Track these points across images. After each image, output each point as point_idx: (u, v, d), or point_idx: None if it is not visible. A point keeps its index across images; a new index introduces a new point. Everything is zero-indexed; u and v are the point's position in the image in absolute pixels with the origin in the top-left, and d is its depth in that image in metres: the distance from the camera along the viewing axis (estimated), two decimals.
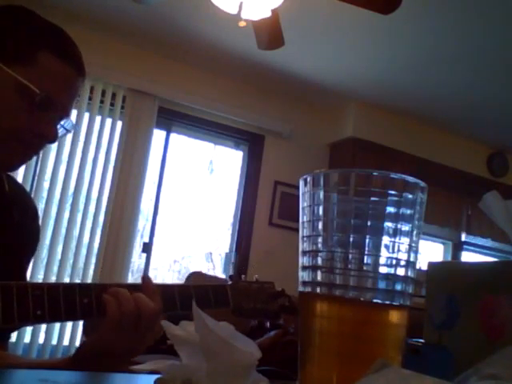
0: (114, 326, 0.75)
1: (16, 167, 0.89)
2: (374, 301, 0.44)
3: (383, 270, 0.44)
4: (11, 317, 0.71)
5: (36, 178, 3.48)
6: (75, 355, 0.82)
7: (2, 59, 0.80)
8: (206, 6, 2.63)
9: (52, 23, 0.90)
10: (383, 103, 4.28)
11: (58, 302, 0.74)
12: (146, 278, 0.82)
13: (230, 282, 0.93)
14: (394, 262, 0.44)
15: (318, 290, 0.45)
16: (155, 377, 0.46)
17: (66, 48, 0.88)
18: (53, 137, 0.86)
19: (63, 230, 3.52)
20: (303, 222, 0.48)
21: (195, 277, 3.38)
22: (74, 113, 3.63)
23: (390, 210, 0.44)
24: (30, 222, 1.00)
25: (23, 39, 0.84)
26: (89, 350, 0.80)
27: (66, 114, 0.88)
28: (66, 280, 3.50)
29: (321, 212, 0.46)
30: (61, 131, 0.89)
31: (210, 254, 4.35)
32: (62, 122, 0.89)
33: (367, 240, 0.44)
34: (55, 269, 3.48)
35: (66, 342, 3.43)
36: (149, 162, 3.79)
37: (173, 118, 4.02)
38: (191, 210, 4.24)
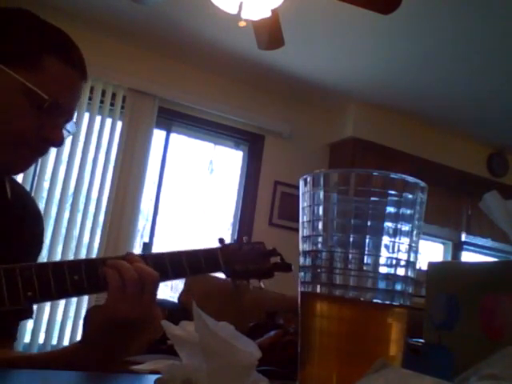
0: (118, 297, 0.74)
1: (21, 171, 0.91)
2: (374, 301, 0.44)
3: (383, 270, 0.44)
4: (2, 300, 0.71)
5: (36, 178, 3.48)
6: (84, 336, 0.81)
7: (7, 63, 0.81)
8: (206, 6, 2.63)
9: (55, 27, 0.91)
10: (383, 103, 4.28)
11: (48, 281, 0.74)
12: (130, 253, 0.83)
13: (220, 246, 0.93)
14: (394, 261, 0.44)
15: (318, 289, 0.45)
16: (155, 377, 0.46)
17: (70, 52, 0.89)
18: (60, 141, 0.87)
19: (63, 230, 3.52)
20: (303, 222, 0.48)
21: (195, 276, 3.38)
22: None
23: (390, 210, 0.44)
24: (33, 226, 1.01)
25: (28, 43, 0.85)
26: (98, 327, 0.78)
27: (70, 118, 0.90)
28: None
29: (321, 212, 0.46)
30: (65, 134, 0.90)
31: None
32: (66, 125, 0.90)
33: (367, 240, 0.44)
34: None
35: (66, 342, 3.43)
36: (149, 161, 3.79)
37: (173, 118, 4.02)
38: (191, 210, 4.24)
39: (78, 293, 0.78)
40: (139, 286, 0.75)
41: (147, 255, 0.85)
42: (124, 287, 0.74)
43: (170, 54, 3.87)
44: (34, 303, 0.79)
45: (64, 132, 0.89)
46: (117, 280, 0.75)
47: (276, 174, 4.29)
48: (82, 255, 3.55)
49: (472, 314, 0.52)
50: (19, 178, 3.41)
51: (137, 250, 3.89)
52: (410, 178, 0.45)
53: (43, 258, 3.48)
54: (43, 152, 0.89)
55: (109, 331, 0.77)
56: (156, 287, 0.78)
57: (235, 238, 4.21)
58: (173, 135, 4.10)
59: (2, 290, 0.72)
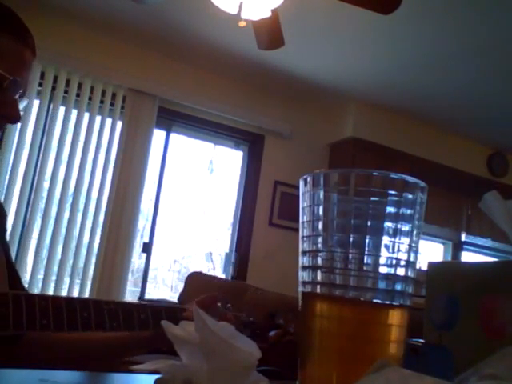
0: None
1: None
2: (374, 301, 0.44)
3: (383, 270, 0.44)
4: (21, 324, 0.72)
5: (36, 178, 3.48)
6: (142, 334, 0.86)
7: None
8: (206, 6, 2.63)
9: (5, 6, 0.91)
10: (383, 103, 4.28)
11: (61, 313, 0.75)
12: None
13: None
14: (394, 261, 0.44)
15: (318, 289, 0.45)
16: (155, 377, 0.46)
17: (21, 29, 0.90)
18: (17, 117, 0.89)
19: (63, 230, 3.52)
20: (303, 222, 0.48)
21: (195, 276, 3.38)
22: (74, 113, 3.63)
23: (390, 210, 0.44)
24: None
25: None
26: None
27: (24, 95, 0.91)
28: (66, 280, 3.51)
29: (321, 212, 0.46)
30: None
31: (210, 253, 4.35)
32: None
33: (367, 240, 0.44)
34: (55, 269, 3.48)
35: None
36: (149, 161, 3.79)
37: (173, 118, 4.02)
38: (191, 210, 4.24)
39: (84, 328, 0.79)
40: None
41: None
42: None
43: (170, 53, 3.87)
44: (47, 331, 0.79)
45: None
46: None
47: (276, 173, 4.29)
48: (82, 255, 3.55)
49: (472, 314, 0.52)
50: (19, 178, 3.41)
51: (137, 249, 3.89)
52: (410, 178, 0.45)
53: (43, 258, 3.48)
54: (1, 129, 0.91)
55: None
56: None
57: (235, 238, 4.21)
58: (173, 135, 4.10)
59: (22, 316, 0.72)
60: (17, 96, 0.88)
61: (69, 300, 0.76)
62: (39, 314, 0.72)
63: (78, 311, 0.75)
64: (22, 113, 0.91)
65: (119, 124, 3.77)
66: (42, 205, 3.50)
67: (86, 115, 3.67)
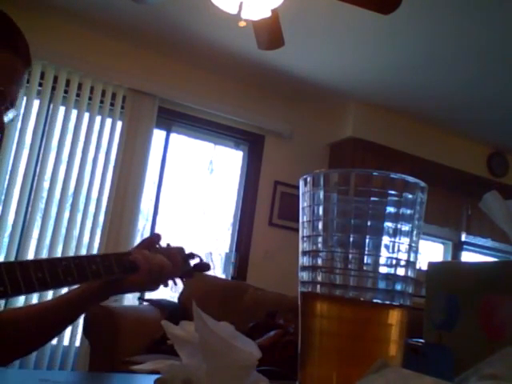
0: (145, 279, 0.93)
1: None
2: (374, 301, 0.44)
3: (383, 270, 0.44)
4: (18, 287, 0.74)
5: (36, 178, 3.48)
6: (86, 289, 0.93)
7: None
8: (206, 6, 2.63)
9: (0, 12, 0.87)
10: (383, 103, 4.28)
11: (16, 277, 0.76)
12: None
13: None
14: (394, 261, 0.44)
15: (318, 289, 0.45)
16: (155, 377, 0.46)
17: (13, 38, 0.87)
18: (1, 128, 0.88)
19: (63, 230, 3.52)
20: (303, 222, 0.48)
21: (195, 276, 3.38)
22: (74, 113, 3.63)
23: (390, 209, 0.44)
24: None
25: None
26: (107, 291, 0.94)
27: (11, 105, 0.90)
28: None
29: (321, 212, 0.46)
30: (6, 120, 0.90)
31: (210, 254, 4.35)
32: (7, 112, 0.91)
33: (367, 240, 0.44)
34: None
35: (65, 342, 3.43)
36: (149, 161, 3.79)
37: (173, 118, 4.02)
38: (191, 210, 4.24)
39: (81, 279, 0.84)
40: (160, 271, 0.95)
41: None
42: (150, 271, 0.93)
43: (170, 54, 3.87)
44: (45, 288, 0.81)
45: (5, 118, 0.90)
46: (145, 264, 0.92)
47: (276, 173, 4.29)
48: None
49: (472, 313, 0.52)
50: (19, 178, 3.41)
51: None
52: (410, 178, 0.45)
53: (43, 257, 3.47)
54: None
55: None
56: (170, 273, 0.99)
57: (235, 238, 4.21)
58: (173, 135, 4.10)
59: (18, 278, 0.74)
60: (1, 106, 0.86)
61: (21, 263, 0.77)
62: None
63: (33, 272, 0.76)
64: (7, 122, 0.90)
65: (119, 124, 3.77)
66: (41, 205, 3.49)
67: (86, 115, 3.67)
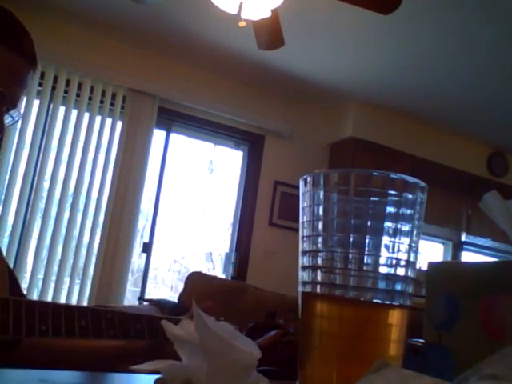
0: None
1: None
2: (374, 301, 0.44)
3: (383, 269, 0.44)
4: (20, 330, 0.72)
5: (36, 178, 3.48)
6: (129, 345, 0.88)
7: None
8: (206, 6, 2.63)
9: (7, 11, 0.85)
10: (383, 103, 4.28)
11: (60, 320, 0.75)
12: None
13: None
14: (394, 261, 0.44)
15: (318, 289, 0.45)
16: (155, 377, 0.46)
17: (18, 39, 0.85)
18: (1, 129, 0.86)
19: (63, 230, 3.52)
20: (303, 222, 0.48)
21: (195, 277, 3.38)
22: (74, 113, 3.63)
23: (390, 210, 0.44)
24: None
25: None
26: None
27: (13, 106, 0.88)
28: (66, 280, 3.51)
29: (321, 212, 0.46)
30: (9, 121, 0.89)
31: (210, 253, 4.35)
32: (10, 112, 0.88)
33: (367, 240, 0.44)
34: (55, 269, 3.48)
35: None
36: (149, 161, 3.79)
37: (173, 118, 4.02)
38: (191, 210, 4.24)
39: (82, 336, 0.79)
40: None
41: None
42: None
43: (170, 54, 3.87)
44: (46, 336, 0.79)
45: (8, 119, 0.88)
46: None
47: (276, 173, 4.29)
48: (82, 255, 3.55)
49: (472, 314, 0.52)
50: (19, 178, 3.41)
51: (137, 249, 3.89)
52: (410, 178, 0.45)
53: (43, 258, 3.48)
54: None
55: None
56: None
57: (235, 238, 4.21)
58: (173, 135, 4.10)
59: (21, 321, 0.72)
60: (2, 107, 0.84)
61: (68, 307, 0.76)
62: (38, 320, 0.73)
63: (76, 319, 0.75)
64: (8, 123, 0.88)
65: (119, 124, 3.77)
66: (42, 205, 3.50)
67: (86, 115, 3.67)
